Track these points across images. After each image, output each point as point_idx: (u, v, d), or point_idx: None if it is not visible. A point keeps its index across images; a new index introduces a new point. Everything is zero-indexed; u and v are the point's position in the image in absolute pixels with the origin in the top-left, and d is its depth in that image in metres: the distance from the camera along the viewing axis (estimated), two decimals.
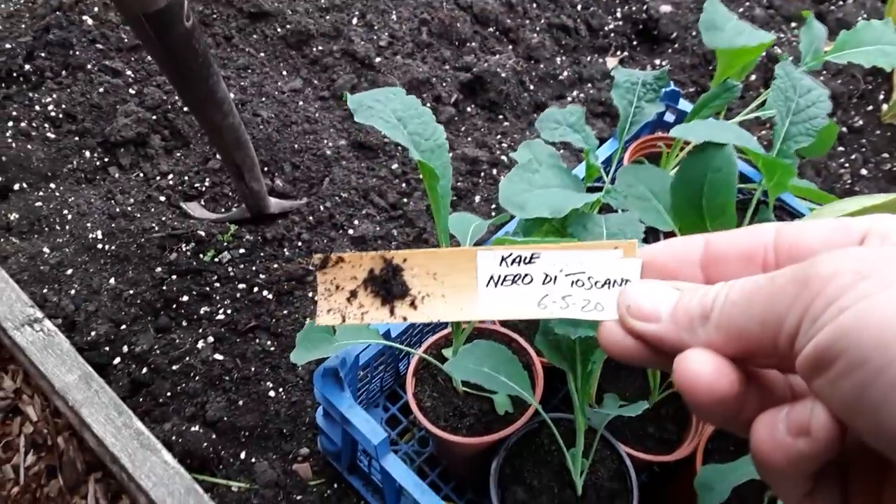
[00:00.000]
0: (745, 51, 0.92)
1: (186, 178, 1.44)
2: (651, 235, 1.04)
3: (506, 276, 0.40)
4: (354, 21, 1.71)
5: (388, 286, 0.40)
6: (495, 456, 0.92)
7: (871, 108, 1.71)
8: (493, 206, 1.40)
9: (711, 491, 0.85)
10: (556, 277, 0.39)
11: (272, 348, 1.17)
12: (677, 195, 0.83)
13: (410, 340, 1.04)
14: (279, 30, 1.68)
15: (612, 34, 1.83)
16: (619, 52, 1.81)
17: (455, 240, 0.98)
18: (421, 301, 0.40)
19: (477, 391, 0.97)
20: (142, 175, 1.45)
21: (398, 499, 1.01)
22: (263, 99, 1.55)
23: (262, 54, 1.65)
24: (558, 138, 0.89)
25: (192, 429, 1.08)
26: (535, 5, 1.81)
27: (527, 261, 0.40)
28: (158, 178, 1.44)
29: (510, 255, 0.39)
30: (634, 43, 1.84)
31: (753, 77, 1.73)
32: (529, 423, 0.94)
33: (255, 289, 1.24)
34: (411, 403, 0.94)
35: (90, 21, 1.67)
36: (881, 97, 1.73)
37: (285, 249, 1.29)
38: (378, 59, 1.61)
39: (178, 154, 1.49)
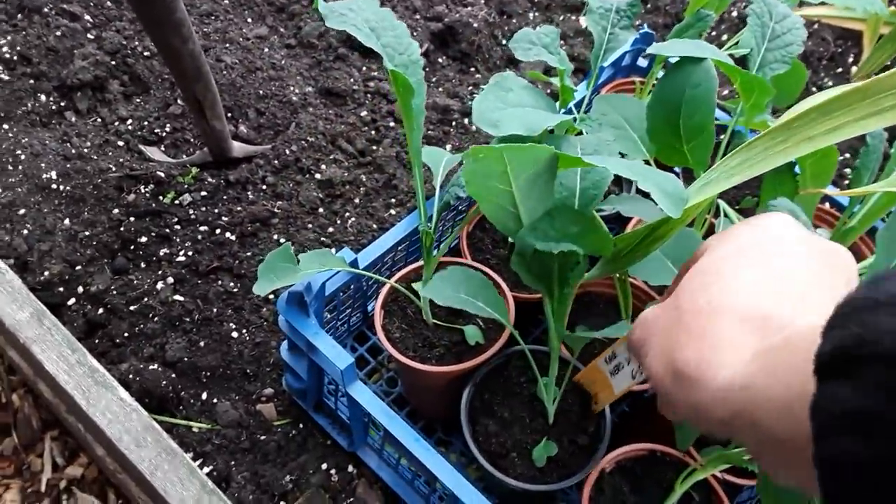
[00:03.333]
0: None
1: (146, 123, 1.39)
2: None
3: (611, 370, 0.78)
4: None
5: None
6: (464, 389, 0.90)
7: (840, 70, 1.73)
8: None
9: (686, 431, 0.84)
10: (628, 360, 0.75)
11: (235, 290, 1.14)
12: (654, 115, 0.82)
13: (380, 271, 1.01)
14: None
15: None
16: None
17: (428, 168, 0.96)
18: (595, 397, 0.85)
19: (447, 323, 0.94)
20: (99, 120, 1.39)
21: (366, 432, 0.98)
22: (227, 45, 1.50)
23: (226, 1, 1.60)
24: (533, 58, 0.87)
25: (151, 368, 1.04)
26: None
27: (612, 357, 0.78)
28: (117, 122, 1.39)
29: (606, 361, 0.79)
30: None
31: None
32: (499, 355, 0.92)
33: (218, 231, 1.19)
34: (379, 334, 0.91)
35: None
36: (850, 60, 1.75)
37: (249, 192, 1.25)
38: None
39: (138, 100, 1.44)
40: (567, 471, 0.85)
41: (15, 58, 1.42)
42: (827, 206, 1.18)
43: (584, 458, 0.86)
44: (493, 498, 0.96)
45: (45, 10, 1.52)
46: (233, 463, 1.00)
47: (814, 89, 1.67)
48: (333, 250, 1.13)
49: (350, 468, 1.01)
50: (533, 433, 0.88)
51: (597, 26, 0.93)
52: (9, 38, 1.45)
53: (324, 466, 1.00)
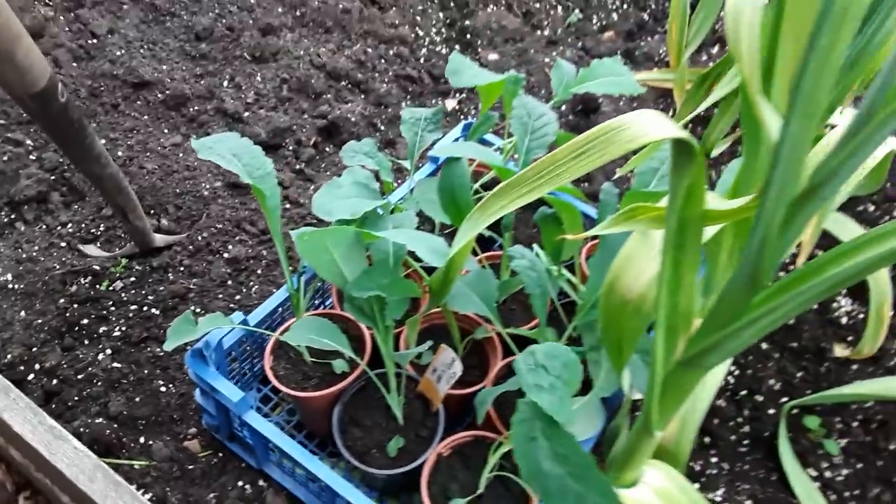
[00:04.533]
0: (487, 87, 1.26)
1: (83, 225, 1.69)
2: (430, 224, 1.35)
3: (436, 379, 1.10)
4: (225, 84, 2.01)
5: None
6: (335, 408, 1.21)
7: None
8: None
9: (483, 404, 1.15)
10: (443, 370, 1.11)
11: (161, 354, 1.43)
12: (441, 196, 1.15)
13: (272, 324, 1.31)
14: (159, 95, 1.96)
15: None
16: (457, 95, 2.16)
17: (290, 240, 1.27)
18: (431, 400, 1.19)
19: (321, 360, 1.25)
20: (45, 227, 1.69)
21: (267, 452, 1.27)
22: (148, 154, 1.82)
23: (146, 117, 1.93)
24: (357, 162, 1.20)
25: (97, 422, 1.32)
26: (383, 61, 2.16)
27: (434, 370, 1.14)
28: (59, 227, 1.68)
29: (431, 372, 1.13)
30: None
31: None
32: (359, 379, 1.22)
33: (145, 308, 1.49)
34: (269, 374, 1.22)
35: None
36: (670, 115, 2.13)
37: (169, 274, 1.55)
38: (246, 114, 1.91)
39: (76, 206, 1.74)
40: (413, 457, 1.16)
41: None
42: None
43: (426, 446, 1.17)
44: (373, 491, 1.26)
45: None
46: (168, 489, 1.28)
47: None
48: (239, 314, 1.44)
49: (260, 482, 1.29)
50: (388, 433, 1.18)
51: (409, 132, 1.28)
52: None
53: (240, 483, 1.29)
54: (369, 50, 2.15)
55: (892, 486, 1.41)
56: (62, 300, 1.50)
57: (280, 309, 1.32)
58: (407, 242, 0.98)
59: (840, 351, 1.62)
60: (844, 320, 1.67)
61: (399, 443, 1.16)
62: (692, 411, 1.11)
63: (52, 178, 1.75)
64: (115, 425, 1.33)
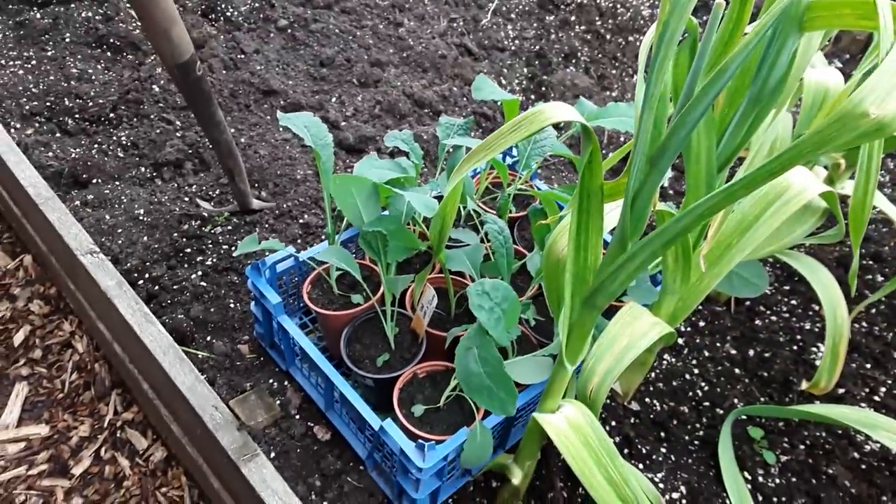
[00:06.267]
0: (507, 103, 1.62)
1: (204, 188, 2.17)
2: None
3: (423, 315, 1.42)
4: (333, 100, 2.48)
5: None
6: (346, 328, 1.57)
7: None
8: None
9: (451, 334, 1.47)
10: (427, 306, 1.44)
11: (237, 281, 1.85)
12: (448, 173, 1.51)
13: (318, 264, 1.70)
14: (282, 102, 2.46)
15: None
16: None
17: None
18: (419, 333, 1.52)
19: (345, 293, 1.62)
20: (176, 185, 2.19)
21: (293, 357, 1.65)
22: (263, 143, 2.30)
23: (268, 117, 2.43)
24: (395, 145, 1.59)
25: (179, 318, 1.75)
26: (464, 98, 2.57)
27: (422, 307, 1.44)
28: (186, 186, 2.18)
29: (419, 309, 1.42)
30: None
31: None
32: (368, 312, 1.58)
33: (233, 248, 1.93)
34: (305, 297, 1.60)
35: (157, 88, 2.48)
36: None
37: (257, 228, 1.99)
38: (343, 123, 2.37)
39: (202, 174, 2.23)
40: (394, 370, 1.49)
41: (129, 144, 2.26)
42: None
43: (406, 365, 1.50)
44: (368, 403, 1.59)
45: (152, 116, 2.37)
46: (218, 375, 1.67)
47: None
48: (292, 248, 1.83)
49: (285, 382, 1.66)
50: (380, 351, 1.53)
51: (442, 133, 1.66)
52: (126, 132, 2.29)
53: (270, 380, 1.66)
54: (455, 88, 2.58)
55: (818, 501, 1.58)
56: (175, 234, 1.97)
57: None
58: (408, 197, 1.34)
59: (805, 385, 1.81)
60: (818, 363, 1.85)
61: (385, 357, 1.50)
62: (611, 371, 1.38)
63: (189, 151, 2.27)
64: (192, 324, 1.75)
